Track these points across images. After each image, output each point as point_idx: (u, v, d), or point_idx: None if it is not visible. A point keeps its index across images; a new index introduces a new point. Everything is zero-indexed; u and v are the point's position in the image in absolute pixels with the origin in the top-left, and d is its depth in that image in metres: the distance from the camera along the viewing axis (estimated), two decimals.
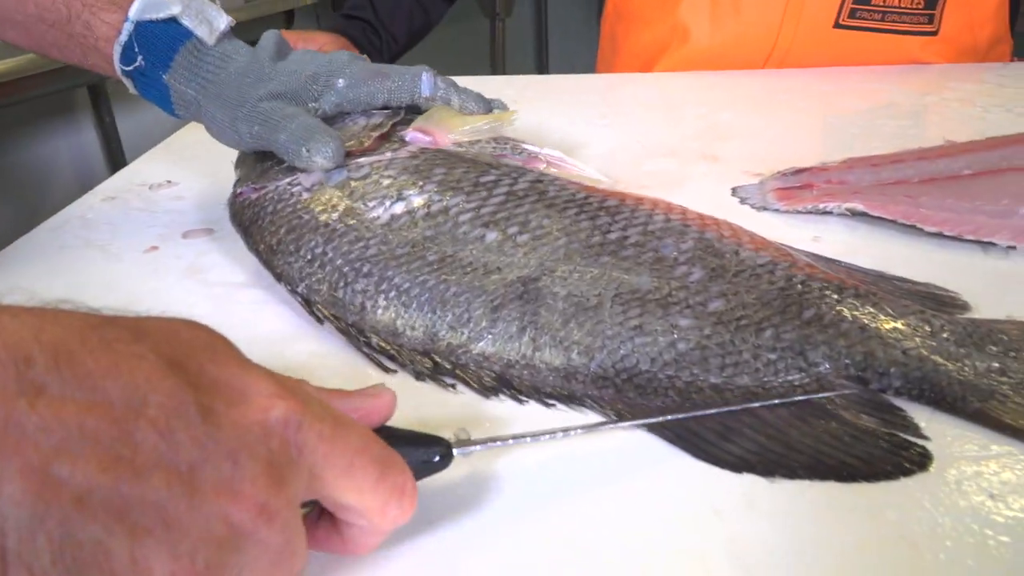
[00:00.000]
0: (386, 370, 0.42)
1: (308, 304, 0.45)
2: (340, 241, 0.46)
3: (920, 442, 0.35)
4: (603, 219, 0.45)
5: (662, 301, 0.40)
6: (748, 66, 0.93)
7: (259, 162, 0.55)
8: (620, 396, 0.38)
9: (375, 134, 0.53)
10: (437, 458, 0.31)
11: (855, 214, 0.55)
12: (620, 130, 0.76)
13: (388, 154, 0.51)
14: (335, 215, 0.47)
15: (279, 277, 0.47)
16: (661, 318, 0.40)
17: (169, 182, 0.69)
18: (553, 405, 0.39)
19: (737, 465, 0.34)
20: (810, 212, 0.56)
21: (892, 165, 0.59)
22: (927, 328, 0.40)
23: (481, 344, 0.41)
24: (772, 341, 0.39)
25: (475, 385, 0.40)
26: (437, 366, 0.41)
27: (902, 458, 0.34)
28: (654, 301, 0.40)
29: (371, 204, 0.47)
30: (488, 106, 0.55)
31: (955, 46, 0.91)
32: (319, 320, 0.45)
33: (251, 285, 0.51)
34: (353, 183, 0.49)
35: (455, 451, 0.31)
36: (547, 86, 0.94)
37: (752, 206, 0.58)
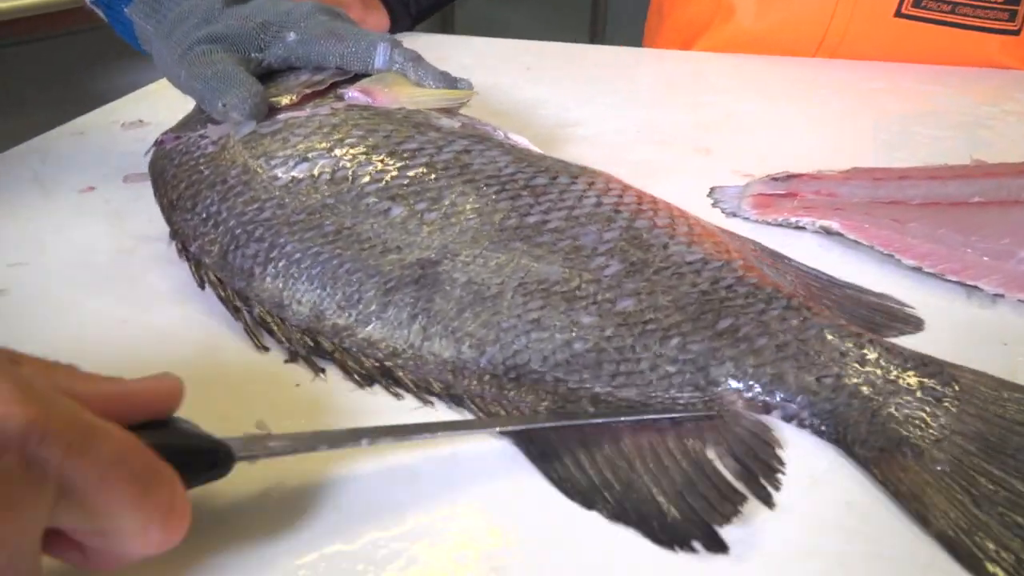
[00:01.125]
0: (258, 347, 0.38)
1: (197, 266, 0.42)
2: (235, 201, 0.42)
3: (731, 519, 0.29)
4: (525, 199, 0.40)
5: (568, 294, 0.36)
6: (797, 53, 0.84)
7: (200, 111, 0.52)
8: (502, 395, 0.34)
9: (309, 90, 0.50)
10: (215, 466, 0.27)
11: (830, 233, 0.48)
12: (622, 111, 0.70)
13: (307, 110, 0.47)
14: (234, 172, 0.44)
15: (173, 235, 0.44)
16: (563, 312, 0.36)
17: (141, 122, 0.67)
18: (431, 403, 0.35)
19: (587, 500, 0.30)
20: (780, 225, 0.50)
21: (896, 182, 0.52)
22: (857, 353, 0.34)
23: (368, 328, 0.37)
24: (676, 351, 0.34)
25: (353, 373, 0.36)
26: (318, 347, 0.37)
27: (706, 540, 0.28)
28: (560, 294, 0.36)
29: (274, 163, 0.43)
30: (451, 85, 0.51)
31: None
32: (200, 284, 0.41)
33: (161, 240, 0.48)
34: (262, 140, 0.45)
35: (238, 458, 0.28)
36: (569, 57, 0.88)
37: (723, 211, 0.52)
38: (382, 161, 0.43)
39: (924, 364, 0.35)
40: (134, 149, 0.61)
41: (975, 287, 0.43)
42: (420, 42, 0.89)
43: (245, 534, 0.29)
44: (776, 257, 0.44)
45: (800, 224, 0.49)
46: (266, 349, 0.38)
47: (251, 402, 0.35)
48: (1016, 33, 0.80)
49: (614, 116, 0.68)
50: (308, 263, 0.39)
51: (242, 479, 0.29)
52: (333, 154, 0.43)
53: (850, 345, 0.35)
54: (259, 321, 0.39)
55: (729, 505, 0.29)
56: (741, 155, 0.60)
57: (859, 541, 0.29)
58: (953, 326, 0.41)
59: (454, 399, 0.35)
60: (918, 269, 0.45)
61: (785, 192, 0.52)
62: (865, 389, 0.33)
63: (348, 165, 0.42)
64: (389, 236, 0.39)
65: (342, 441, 0.30)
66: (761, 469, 0.31)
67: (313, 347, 0.37)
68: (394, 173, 0.42)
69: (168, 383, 0.27)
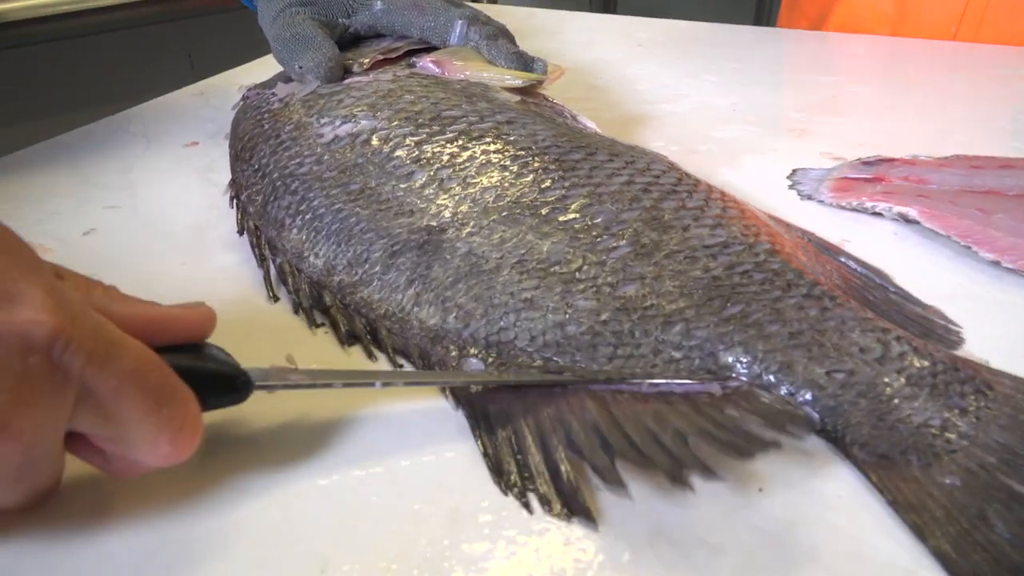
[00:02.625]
0: (269, 296, 0.40)
1: (243, 215, 0.45)
2: (283, 155, 0.45)
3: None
4: (552, 174, 0.39)
5: (567, 276, 0.35)
6: (934, 32, 0.78)
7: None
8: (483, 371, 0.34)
9: (382, 56, 0.51)
10: (233, 391, 0.29)
11: (908, 221, 0.45)
12: (725, 90, 0.67)
13: (371, 75, 0.48)
14: (288, 128, 0.46)
15: (231, 184, 0.47)
16: (558, 294, 0.34)
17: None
18: (402, 366, 0.35)
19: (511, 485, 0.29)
20: (855, 210, 0.46)
21: (995, 170, 0.47)
22: (878, 350, 0.32)
23: (369, 289, 0.37)
24: (679, 337, 0.33)
25: (340, 330, 0.37)
26: (321, 300, 0.38)
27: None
28: (558, 275, 0.35)
29: (323, 122, 0.45)
30: (525, 65, 0.51)
31: None
32: (240, 231, 0.44)
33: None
34: (320, 99, 0.47)
35: (256, 386, 0.29)
36: (685, 34, 0.85)
37: (799, 193, 0.49)
38: (419, 126, 0.43)
39: (955, 368, 0.31)
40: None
41: None
42: (540, 16, 0.90)
43: (265, 457, 0.30)
44: (827, 249, 0.41)
45: (877, 210, 0.46)
46: (276, 299, 0.40)
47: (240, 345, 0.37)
48: None
49: (713, 94, 0.66)
50: (329, 219, 0.40)
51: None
52: (376, 116, 0.44)
53: (872, 340, 0.32)
54: (279, 271, 0.41)
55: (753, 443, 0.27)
56: (837, 138, 0.56)
57: (840, 538, 0.27)
58: (1003, 326, 0.37)
59: (425, 366, 0.35)
60: (996, 263, 0.41)
61: (872, 176, 0.49)
62: (878, 389, 0.30)
63: (386, 127, 0.43)
64: (406, 200, 0.40)
65: (356, 380, 0.32)
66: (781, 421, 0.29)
67: (317, 300, 0.38)
68: (426, 139, 0.42)
69: (200, 311, 0.29)
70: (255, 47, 0.71)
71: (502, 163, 0.40)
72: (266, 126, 0.47)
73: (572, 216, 0.37)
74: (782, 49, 0.80)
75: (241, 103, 0.53)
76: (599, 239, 0.36)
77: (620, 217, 0.37)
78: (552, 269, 0.35)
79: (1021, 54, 0.73)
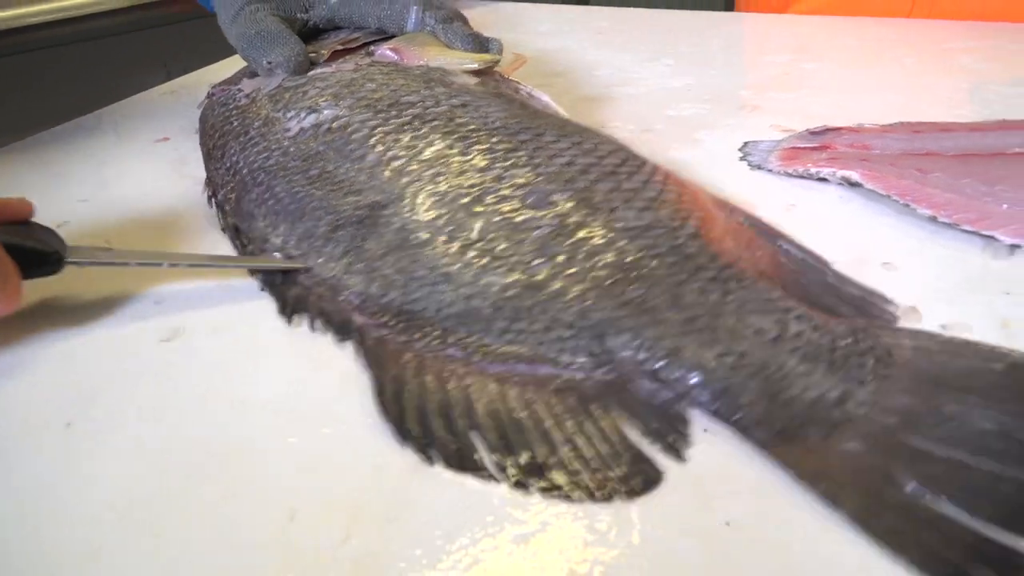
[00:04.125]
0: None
1: (222, 212, 0.46)
2: (251, 151, 0.46)
3: (650, 474, 0.28)
4: (495, 155, 0.41)
5: (486, 251, 0.36)
6: (892, 11, 0.80)
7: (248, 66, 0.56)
8: (387, 336, 0.35)
9: (341, 47, 0.53)
10: (47, 264, 0.37)
11: (851, 184, 0.47)
12: (681, 71, 0.69)
13: (334, 66, 0.50)
14: (256, 124, 0.48)
15: (207, 183, 0.48)
16: (473, 271, 0.36)
17: None
18: (319, 330, 0.37)
19: (420, 445, 0.30)
20: (802, 176, 0.48)
21: (935, 133, 0.49)
22: (775, 330, 0.32)
23: (309, 259, 0.39)
24: (575, 318, 0.34)
25: (280, 303, 0.39)
26: (271, 278, 0.40)
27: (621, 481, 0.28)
28: (479, 251, 0.36)
29: (289, 115, 0.47)
30: (482, 47, 0.52)
31: None
32: (223, 229, 0.45)
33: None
34: (285, 93, 0.48)
35: (67, 261, 0.37)
36: (643, 21, 0.87)
37: (749, 163, 0.51)
38: (377, 112, 0.44)
39: (855, 339, 0.32)
40: None
41: (991, 237, 0.41)
42: (502, 10, 0.92)
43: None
44: (765, 234, 0.41)
45: (822, 175, 0.47)
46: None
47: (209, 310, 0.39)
48: None
49: (669, 76, 0.68)
50: (287, 201, 0.42)
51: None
52: (339, 104, 0.46)
53: (770, 322, 0.32)
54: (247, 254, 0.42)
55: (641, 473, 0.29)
56: (790, 113, 0.58)
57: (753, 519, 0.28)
58: (960, 278, 0.39)
59: (344, 332, 0.36)
60: (933, 219, 0.42)
61: (818, 145, 0.51)
62: (771, 369, 0.31)
63: (347, 115, 0.45)
64: (356, 179, 0.41)
65: (148, 260, 0.39)
66: (667, 431, 0.30)
67: (266, 278, 0.40)
68: (381, 123, 0.44)
69: (18, 200, 0.38)
70: (230, 52, 0.73)
71: (449, 145, 0.42)
72: (235, 123, 0.48)
73: (505, 195, 0.38)
74: (739, 31, 0.82)
75: (206, 100, 0.54)
76: (525, 219, 0.37)
77: (550, 198, 0.38)
78: (475, 246, 0.37)
79: (968, 28, 0.76)
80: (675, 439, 0.30)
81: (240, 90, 0.51)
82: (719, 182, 0.48)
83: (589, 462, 0.29)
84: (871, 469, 0.27)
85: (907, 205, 0.44)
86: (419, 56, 0.51)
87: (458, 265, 0.36)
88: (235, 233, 0.44)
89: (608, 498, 0.28)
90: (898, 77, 0.66)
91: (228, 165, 0.46)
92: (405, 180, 0.40)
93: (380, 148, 0.42)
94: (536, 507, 0.27)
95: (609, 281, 0.34)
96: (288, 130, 0.46)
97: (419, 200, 0.39)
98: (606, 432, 0.30)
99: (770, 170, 0.50)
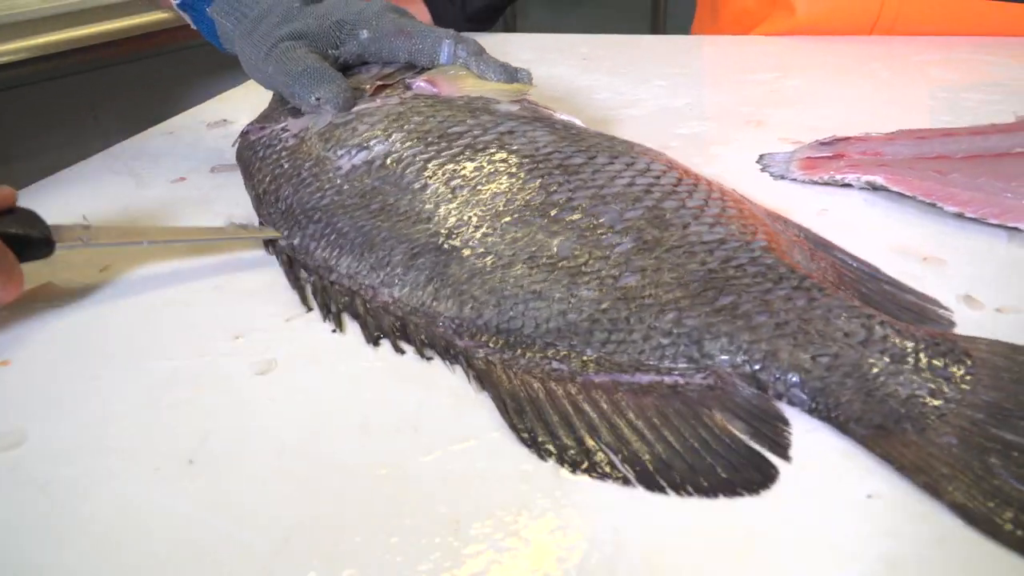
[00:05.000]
0: (306, 307, 0.42)
1: (289, 262, 0.46)
2: (303, 192, 0.47)
3: (778, 463, 0.30)
4: (555, 178, 0.43)
5: (574, 270, 0.38)
6: (854, 34, 0.86)
7: (283, 103, 0.57)
8: (492, 354, 0.36)
9: (380, 82, 0.53)
10: (37, 247, 0.41)
11: (875, 188, 0.50)
12: (676, 92, 0.72)
13: (379, 100, 0.51)
14: (307, 165, 0.48)
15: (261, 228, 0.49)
16: (564, 286, 0.37)
17: (225, 121, 0.72)
18: (431, 359, 0.38)
19: (547, 452, 0.31)
20: (827, 184, 0.52)
21: (939, 138, 0.53)
22: (862, 334, 0.34)
23: (392, 289, 0.41)
24: (670, 325, 0.35)
25: (368, 329, 0.39)
26: (352, 305, 0.41)
27: (739, 477, 0.30)
28: (565, 269, 0.38)
29: (340, 154, 0.48)
30: (512, 76, 0.54)
31: None
32: (293, 282, 0.44)
33: (244, 217, 0.53)
34: (335, 130, 0.49)
35: (58, 246, 0.42)
36: (624, 47, 0.91)
37: (772, 174, 0.54)
38: (428, 145, 0.46)
39: (935, 343, 0.34)
40: (220, 144, 0.67)
41: (1016, 229, 0.44)
42: (482, 40, 0.94)
43: None
44: (822, 246, 0.44)
45: (846, 181, 0.51)
46: (310, 309, 0.42)
47: (278, 342, 0.39)
48: None
49: (666, 96, 0.71)
50: (352, 235, 0.43)
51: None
52: (390, 139, 0.47)
53: (856, 325, 0.35)
54: (312, 287, 0.43)
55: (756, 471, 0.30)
56: (790, 126, 0.62)
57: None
58: (996, 266, 0.42)
59: (451, 357, 0.37)
60: (960, 215, 0.46)
61: (832, 155, 0.54)
62: (864, 368, 0.33)
63: (399, 149, 0.46)
64: (423, 209, 0.43)
65: (125, 238, 0.45)
66: (769, 432, 0.32)
67: (348, 305, 0.41)
68: (435, 155, 0.45)
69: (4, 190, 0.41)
70: (167, 99, 0.72)
71: (508, 171, 0.44)
72: (286, 165, 0.49)
73: (578, 216, 0.40)
74: (713, 53, 0.86)
75: (240, 139, 0.55)
76: (604, 236, 0.39)
77: (624, 216, 0.40)
78: (560, 264, 0.38)
79: (929, 42, 0.81)
80: (779, 437, 0.32)
81: (286, 130, 0.51)
82: (750, 193, 0.50)
83: (709, 462, 0.31)
84: (968, 460, 0.29)
85: (933, 204, 0.47)
86: (456, 88, 0.52)
87: (547, 282, 0.38)
88: (290, 264, 0.45)
89: (734, 494, 0.29)
90: (877, 89, 0.70)
91: (283, 209, 0.47)
92: (474, 208, 0.42)
93: (439, 178, 0.44)
94: (670, 502, 0.29)
95: (699, 290, 0.36)
96: (340, 168, 0.47)
97: (496, 225, 0.41)
98: (717, 433, 0.32)
99: (794, 179, 0.53)
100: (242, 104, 0.76)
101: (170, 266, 0.47)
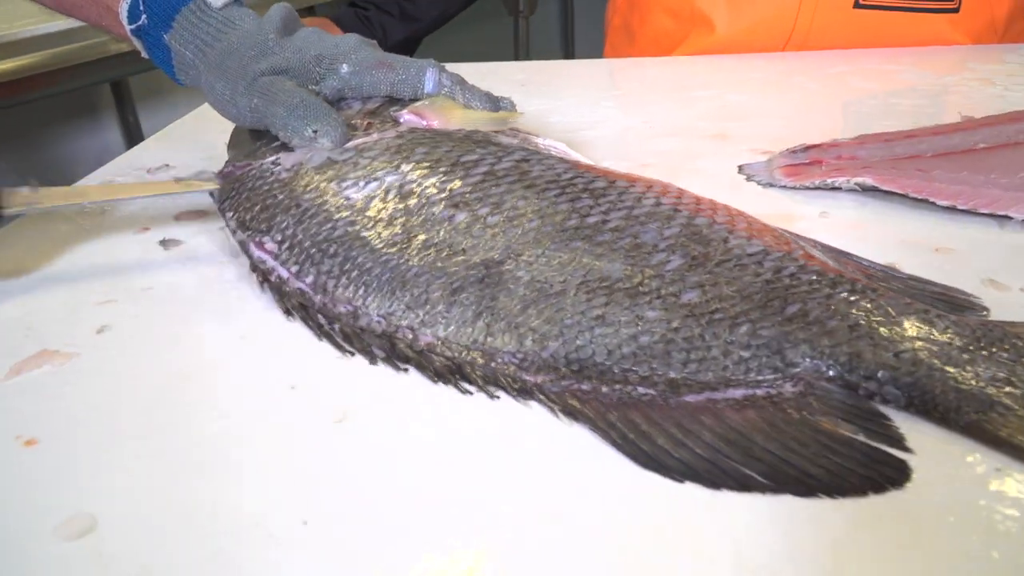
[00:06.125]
0: (343, 350, 0.40)
1: (280, 295, 0.44)
2: (310, 223, 0.44)
3: (901, 455, 0.31)
4: (585, 201, 0.42)
5: (632, 291, 0.37)
6: (768, 51, 0.91)
7: (253, 140, 0.54)
8: (569, 388, 0.35)
9: (368, 120, 0.52)
10: None
11: (865, 189, 0.53)
12: (628, 112, 0.74)
13: (375, 135, 0.49)
14: (307, 195, 0.46)
15: (252, 267, 0.46)
16: (627, 308, 0.37)
17: (167, 166, 0.68)
18: (498, 398, 0.36)
19: (682, 472, 0.31)
20: (818, 188, 0.54)
21: (905, 140, 0.57)
22: (927, 329, 0.36)
23: (435, 328, 0.39)
24: (747, 337, 0.35)
25: (427, 370, 0.38)
26: (395, 349, 0.39)
27: (876, 472, 0.30)
28: (623, 290, 0.37)
29: (345, 185, 0.46)
30: (496, 105, 0.53)
31: (976, 24, 0.89)
32: (286, 313, 0.43)
33: (232, 263, 0.50)
34: (334, 164, 0.47)
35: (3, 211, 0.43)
36: (556, 71, 0.92)
37: (759, 183, 0.56)
38: (445, 173, 0.45)
39: (989, 330, 0.36)
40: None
41: (1006, 216, 0.48)
42: None
43: None
44: (837, 252, 0.45)
45: (836, 184, 0.53)
46: (352, 353, 0.40)
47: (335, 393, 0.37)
48: (956, 11, 0.87)
49: (621, 116, 0.72)
50: (378, 271, 0.41)
51: None
52: (400, 170, 0.45)
53: (918, 321, 0.36)
54: (341, 335, 0.40)
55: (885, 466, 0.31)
56: (754, 138, 0.65)
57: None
58: (1001, 252, 0.46)
59: (522, 393, 0.36)
60: (952, 208, 0.49)
61: (810, 161, 0.57)
62: (943, 360, 0.34)
63: (414, 179, 0.45)
64: (454, 240, 0.41)
65: (69, 199, 0.48)
66: (882, 434, 0.32)
67: (391, 350, 0.39)
68: (457, 182, 0.44)
69: None
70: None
71: (536, 196, 0.43)
72: (280, 196, 0.46)
73: (619, 236, 0.40)
74: (647, 74, 0.89)
75: (221, 181, 0.51)
76: (651, 255, 0.39)
77: (664, 234, 0.40)
78: (616, 286, 0.38)
79: (842, 56, 0.87)
80: (891, 432, 0.33)
81: (278, 163, 0.49)
82: (747, 201, 0.52)
83: (844, 464, 0.31)
84: None
85: (925, 200, 0.50)
86: (446, 119, 0.51)
87: (608, 306, 0.37)
88: (305, 312, 0.42)
89: (882, 490, 0.30)
90: (812, 100, 0.75)
91: (280, 239, 0.45)
92: (509, 235, 0.41)
93: (466, 208, 0.42)
94: (816, 506, 0.29)
95: (764, 300, 0.37)
96: (349, 199, 0.45)
97: (535, 251, 0.40)
98: (836, 436, 0.32)
99: (783, 186, 0.55)
100: (176, 150, 0.72)
101: (169, 311, 0.44)
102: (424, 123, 0.51)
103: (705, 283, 0.37)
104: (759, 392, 0.34)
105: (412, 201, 0.44)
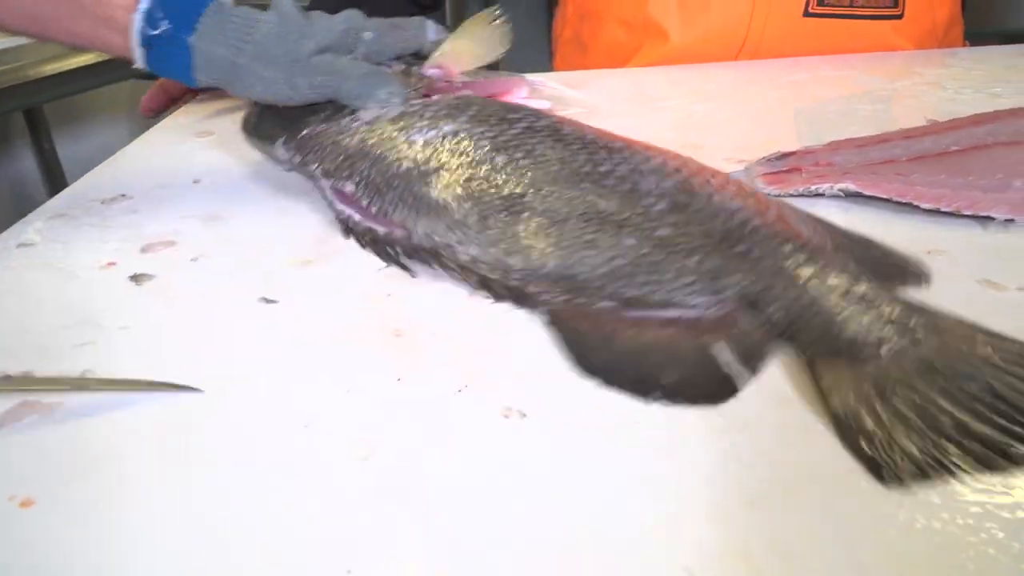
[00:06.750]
0: (406, 269, 0.49)
1: (356, 234, 0.53)
2: (381, 164, 0.52)
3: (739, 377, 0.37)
4: (601, 155, 0.49)
5: (619, 222, 0.45)
6: (721, 60, 0.92)
7: (294, 115, 0.59)
8: (568, 300, 0.43)
9: (414, 80, 0.60)
10: None
11: (848, 194, 0.53)
12: (596, 121, 0.73)
13: (438, 96, 0.57)
14: (383, 142, 0.54)
15: (338, 215, 0.54)
16: (612, 236, 0.44)
17: (123, 196, 0.65)
18: (507, 301, 0.44)
19: (588, 369, 0.38)
20: (802, 195, 0.54)
21: (879, 145, 0.58)
22: (847, 287, 0.40)
23: (469, 247, 0.47)
24: (696, 265, 0.42)
25: (467, 282, 0.46)
26: (440, 260, 0.47)
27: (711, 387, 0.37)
28: (613, 222, 0.45)
29: (411, 132, 0.53)
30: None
31: (918, 29, 0.91)
32: (361, 246, 0.52)
33: (219, 295, 0.48)
34: (403, 118, 0.54)
35: None
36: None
37: None
38: (492, 125, 0.52)
39: (908, 306, 0.39)
40: (127, 222, 0.60)
41: (988, 217, 0.49)
42: None
43: None
44: (816, 220, 0.49)
45: (819, 191, 0.54)
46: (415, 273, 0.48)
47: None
48: (900, 17, 0.90)
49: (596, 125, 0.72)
50: (429, 199, 0.49)
51: None
52: (456, 120, 0.53)
53: (841, 280, 0.40)
54: (404, 253, 0.49)
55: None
56: (727, 147, 0.65)
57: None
58: (989, 252, 0.47)
59: (526, 300, 0.44)
60: (936, 210, 0.50)
61: (788, 168, 0.57)
62: (836, 309, 0.39)
63: (468, 127, 0.53)
64: (491, 176, 0.49)
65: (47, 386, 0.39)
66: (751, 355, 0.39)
67: (435, 258, 0.48)
68: (500, 133, 0.52)
69: None
70: None
71: (562, 147, 0.50)
72: (360, 144, 0.54)
73: (620, 182, 0.47)
74: (611, 84, 0.89)
75: (297, 143, 0.58)
76: (643, 199, 0.46)
77: (660, 185, 0.47)
78: (608, 218, 0.45)
79: (796, 63, 0.89)
80: (756, 361, 0.38)
81: (356, 119, 0.56)
82: None
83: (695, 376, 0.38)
84: (870, 389, 0.35)
85: (908, 203, 0.51)
86: (459, 62, 0.62)
87: (598, 233, 0.44)
88: (376, 246, 0.51)
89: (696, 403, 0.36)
90: (773, 108, 0.76)
91: (358, 180, 0.53)
92: (535, 175, 0.48)
93: (505, 151, 0.50)
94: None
95: (720, 239, 0.43)
96: (414, 142, 0.52)
97: (551, 188, 0.47)
98: (706, 352, 0.39)
99: (768, 194, 0.55)
100: (128, 179, 0.69)
101: (151, 350, 0.41)
102: (446, 72, 0.61)
103: (679, 223, 0.44)
104: (688, 315, 0.41)
105: (464, 144, 0.51)
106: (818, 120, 0.72)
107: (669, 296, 0.42)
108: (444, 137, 0.52)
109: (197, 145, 0.76)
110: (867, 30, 0.90)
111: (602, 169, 0.48)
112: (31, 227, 0.60)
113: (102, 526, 0.31)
